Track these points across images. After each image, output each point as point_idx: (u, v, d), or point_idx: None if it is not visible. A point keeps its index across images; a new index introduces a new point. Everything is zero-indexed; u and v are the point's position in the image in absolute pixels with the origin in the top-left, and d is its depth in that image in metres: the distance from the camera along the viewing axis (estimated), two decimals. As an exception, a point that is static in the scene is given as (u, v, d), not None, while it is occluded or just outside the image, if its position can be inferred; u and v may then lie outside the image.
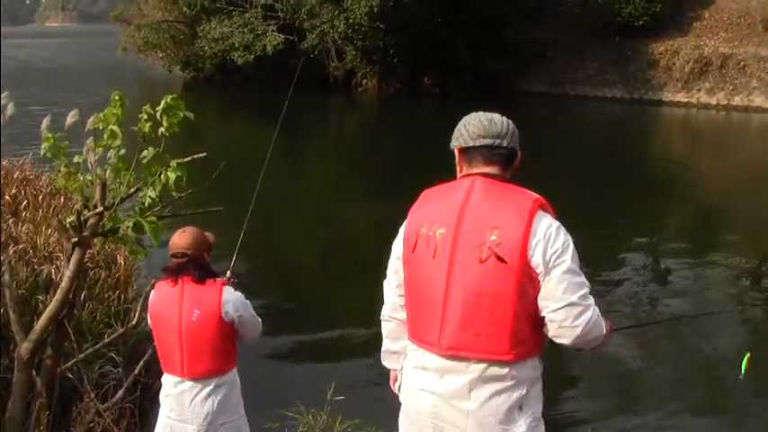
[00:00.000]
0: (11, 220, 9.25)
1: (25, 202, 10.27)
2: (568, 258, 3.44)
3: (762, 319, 10.61)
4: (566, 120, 31.42)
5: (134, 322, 6.37)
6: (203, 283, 4.61)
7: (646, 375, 9.00)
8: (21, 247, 8.18)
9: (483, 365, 3.49)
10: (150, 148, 5.41)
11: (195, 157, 5.49)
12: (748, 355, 4.46)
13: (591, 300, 3.48)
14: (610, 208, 16.16)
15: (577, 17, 37.61)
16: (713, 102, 32.32)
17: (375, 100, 35.99)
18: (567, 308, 3.42)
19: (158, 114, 5.40)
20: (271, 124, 25.86)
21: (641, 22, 34.96)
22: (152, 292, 4.86)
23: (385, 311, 3.95)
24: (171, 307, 4.63)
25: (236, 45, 38.28)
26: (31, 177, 11.63)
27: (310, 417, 6.04)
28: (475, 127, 3.69)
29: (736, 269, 12.54)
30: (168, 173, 5.31)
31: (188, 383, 4.68)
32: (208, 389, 4.67)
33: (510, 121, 3.72)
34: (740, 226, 15.94)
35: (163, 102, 5.39)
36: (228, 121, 32.89)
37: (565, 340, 3.50)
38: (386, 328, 3.97)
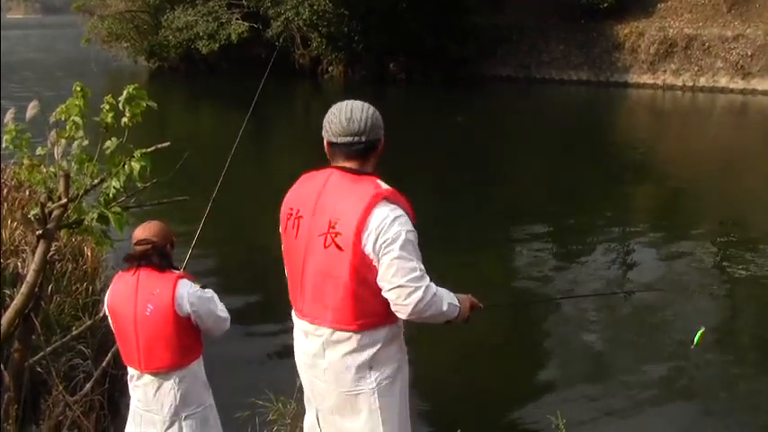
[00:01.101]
0: (-25, 215, 9.18)
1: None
2: (397, 247, 3.78)
3: (724, 297, 10.76)
4: (531, 103, 31.56)
5: (102, 314, 6.34)
6: (163, 273, 4.55)
7: (609, 356, 9.11)
8: (-15, 241, 8.13)
9: (330, 331, 4.01)
10: (113, 139, 5.39)
11: (159, 146, 5.48)
12: (702, 330, 4.62)
13: (423, 282, 3.84)
14: (576, 190, 16.27)
15: (542, 0, 37.68)
16: (679, 83, 32.57)
17: (341, 87, 35.86)
18: (396, 289, 3.81)
19: (121, 105, 5.38)
20: (237, 113, 25.73)
21: (606, 5, 35.12)
22: (110, 284, 4.80)
23: None
24: (126, 301, 4.55)
25: (201, 34, 38.08)
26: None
27: (280, 404, 6.05)
28: (336, 126, 3.95)
29: (701, 248, 12.67)
30: (132, 163, 5.30)
31: (148, 377, 4.63)
32: (168, 383, 4.61)
33: (370, 114, 3.95)
34: (705, 205, 16.12)
35: (125, 92, 5.37)
36: (194, 110, 32.75)
37: (402, 315, 3.90)
38: None
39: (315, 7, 34.05)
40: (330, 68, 39.25)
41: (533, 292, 10.95)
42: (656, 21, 35.00)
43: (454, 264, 10.85)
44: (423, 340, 8.59)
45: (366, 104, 3.97)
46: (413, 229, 3.87)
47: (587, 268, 11.88)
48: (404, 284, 3.79)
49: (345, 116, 3.92)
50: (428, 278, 3.87)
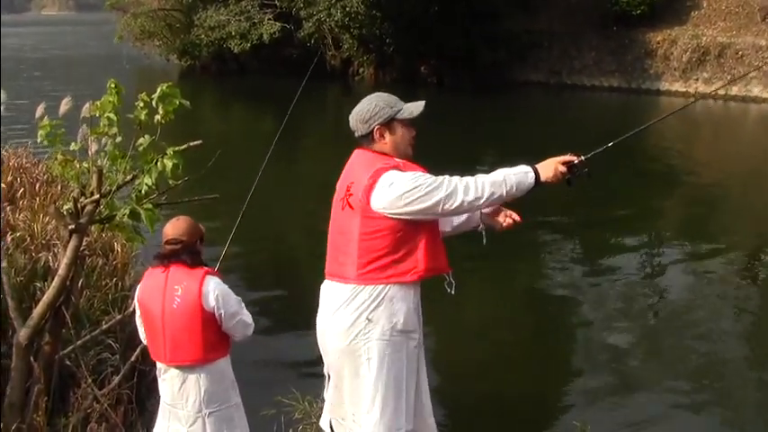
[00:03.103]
0: (8, 208, 9.27)
1: (22, 190, 10.29)
2: (411, 185, 4.27)
3: (755, 308, 10.67)
4: (561, 109, 31.42)
5: (131, 309, 6.38)
6: (193, 269, 4.61)
7: (641, 365, 9.05)
8: (18, 234, 8.21)
9: (337, 284, 4.51)
10: (146, 136, 5.44)
11: (191, 144, 5.51)
12: None
13: (453, 179, 4.33)
14: (605, 198, 16.17)
15: (574, 6, 37.50)
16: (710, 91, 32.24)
17: (372, 89, 35.30)
18: (443, 205, 4.29)
19: (154, 102, 5.43)
20: (267, 113, 25.90)
21: (639, 12, 34.87)
22: (141, 279, 4.87)
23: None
24: (155, 295, 4.63)
25: (233, 33, 38.17)
26: (27, 165, 11.63)
27: (306, 404, 6.08)
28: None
29: (732, 259, 12.57)
30: (165, 160, 5.34)
31: (173, 371, 4.69)
32: (192, 377, 4.67)
33: (357, 111, 4.56)
34: (737, 215, 15.98)
35: (159, 89, 5.42)
36: (225, 109, 32.88)
37: (477, 208, 4.48)
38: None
39: (347, 9, 34.02)
40: (361, 70, 39.23)
41: (560, 296, 10.92)
42: (689, 29, 34.73)
43: (480, 267, 10.84)
44: (444, 345, 8.65)
45: (363, 102, 4.58)
46: (419, 174, 4.35)
47: (614, 275, 11.82)
48: (441, 198, 4.27)
49: (350, 116, 4.60)
50: (452, 180, 4.33)
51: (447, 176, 4.35)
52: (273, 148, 5.70)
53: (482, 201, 4.35)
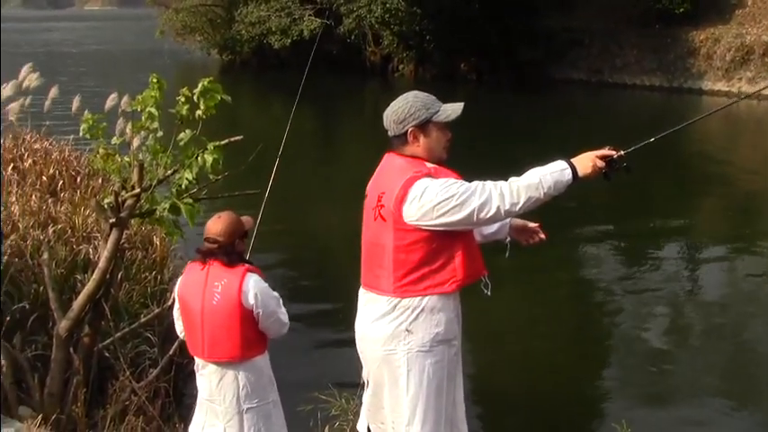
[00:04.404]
0: (50, 200, 9.36)
1: (62, 183, 10.39)
2: (445, 196, 4.10)
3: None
4: (602, 108, 31.13)
5: (170, 303, 6.42)
6: (231, 268, 4.61)
7: (680, 366, 8.97)
8: (59, 227, 8.28)
9: (375, 296, 4.40)
10: (187, 131, 5.46)
11: (232, 140, 5.54)
12: None
13: (486, 187, 4.14)
14: (644, 198, 16.03)
15: (615, 4, 37.17)
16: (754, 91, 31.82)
17: (411, 85, 35.56)
18: (479, 214, 4.12)
19: (196, 97, 5.45)
20: (308, 108, 25.92)
21: (682, 9, 34.48)
22: (182, 273, 4.88)
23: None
24: (195, 290, 4.64)
25: (273, 29, 38.37)
26: (69, 158, 11.74)
27: (343, 400, 6.07)
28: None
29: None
30: (205, 155, 5.36)
31: (212, 366, 4.70)
32: (230, 374, 4.67)
33: (391, 111, 4.38)
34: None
35: (200, 85, 5.44)
36: (265, 104, 32.98)
37: (498, 219, 4.27)
38: None
39: (387, 5, 34.06)
40: (400, 67, 39.22)
41: (597, 297, 10.86)
42: (733, 27, 34.27)
43: (515, 269, 10.78)
44: (480, 346, 8.61)
45: (399, 100, 4.39)
46: (453, 182, 4.17)
47: (652, 276, 11.71)
48: (476, 207, 4.10)
49: (385, 112, 4.43)
50: (489, 182, 4.16)
51: (480, 183, 4.18)
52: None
53: (519, 206, 4.16)
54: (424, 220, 4.16)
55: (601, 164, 4.22)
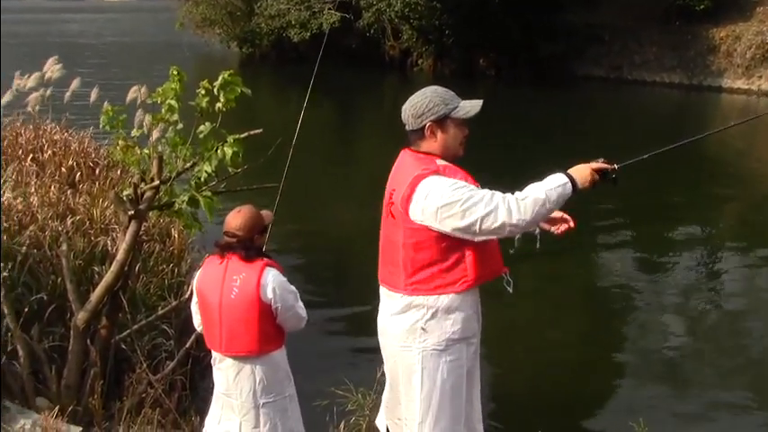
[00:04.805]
0: (69, 192, 9.37)
1: (81, 174, 10.41)
2: (451, 200, 4.07)
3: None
4: (621, 104, 31.00)
5: (187, 296, 6.43)
6: (250, 262, 4.60)
7: (699, 368, 8.91)
8: (78, 218, 8.29)
9: (390, 292, 4.47)
10: (207, 123, 5.45)
11: (252, 133, 5.53)
12: None
13: (496, 199, 4.08)
14: (663, 194, 15.96)
15: (636, 1, 36.98)
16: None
17: (430, 80, 35.29)
18: (482, 224, 4.06)
19: (216, 90, 5.44)
20: (327, 102, 25.92)
21: (702, 6, 34.30)
22: (201, 266, 4.87)
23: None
24: (214, 284, 4.63)
25: (293, 22, 38.35)
26: (89, 150, 11.76)
27: (359, 395, 6.06)
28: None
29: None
30: (225, 148, 5.35)
31: (229, 360, 4.70)
32: (248, 368, 4.67)
33: (410, 105, 4.37)
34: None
35: (220, 77, 5.43)
36: (284, 98, 32.96)
37: (517, 231, 4.21)
38: None
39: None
40: (420, 61, 39.14)
41: (615, 295, 10.80)
42: (754, 24, 34.00)
43: (533, 265, 10.74)
44: (499, 345, 8.58)
45: (418, 95, 4.38)
46: (463, 185, 4.13)
47: (670, 275, 11.64)
48: (481, 217, 4.05)
49: (404, 105, 4.42)
50: (498, 193, 4.11)
51: (488, 192, 4.12)
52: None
53: (525, 223, 4.11)
54: (429, 222, 4.16)
55: (596, 176, 4.29)
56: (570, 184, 4.18)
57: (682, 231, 14.10)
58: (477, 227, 4.06)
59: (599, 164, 4.30)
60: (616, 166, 4.33)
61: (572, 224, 4.68)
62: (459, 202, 4.05)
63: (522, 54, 35.02)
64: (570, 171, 4.25)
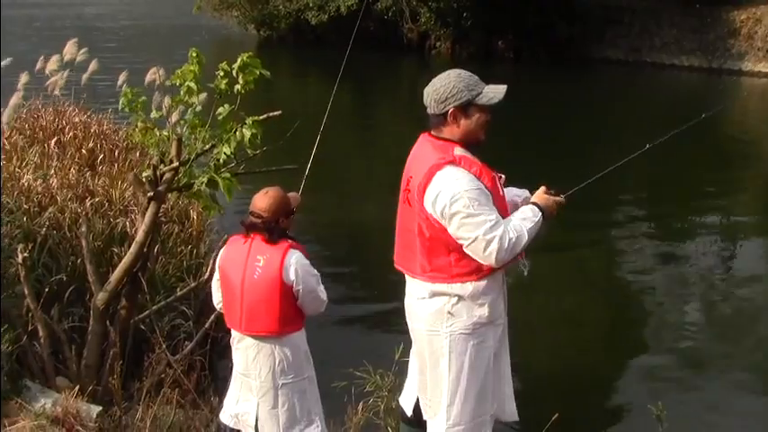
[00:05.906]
0: (88, 173, 9.41)
1: (102, 156, 10.44)
2: (460, 206, 4.09)
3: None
4: (641, 87, 30.84)
5: (206, 277, 6.45)
6: (274, 244, 4.61)
7: (717, 353, 8.90)
8: (97, 200, 8.34)
9: (409, 278, 4.53)
10: (226, 105, 5.46)
11: (271, 115, 5.52)
12: None
13: (496, 231, 4.10)
14: (680, 176, 15.88)
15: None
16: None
17: (448, 63, 35.40)
18: (472, 245, 4.12)
19: (234, 72, 5.44)
20: (345, 85, 25.89)
21: (723, -11, 34.04)
22: (225, 245, 4.88)
23: None
24: (237, 264, 4.65)
25: (310, 5, 38.28)
26: (108, 132, 11.79)
27: (378, 377, 6.06)
28: (423, 96, 4.39)
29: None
30: (243, 130, 5.36)
31: (249, 340, 4.71)
32: (267, 347, 4.68)
33: (433, 89, 4.32)
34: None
35: (239, 59, 5.43)
36: (302, 81, 32.94)
37: (493, 265, 4.18)
38: None
39: (425, -18, 33.91)
40: (438, 44, 38.97)
41: (632, 282, 10.79)
42: (776, 7, 33.77)
43: (551, 245, 10.72)
44: (519, 326, 8.58)
45: (441, 78, 4.33)
46: (477, 187, 4.15)
47: (689, 261, 11.60)
48: (478, 238, 4.09)
49: (426, 90, 4.36)
50: (501, 225, 4.13)
51: (498, 219, 4.15)
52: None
53: (507, 260, 4.20)
54: (437, 216, 4.20)
55: (554, 209, 4.42)
56: (542, 217, 4.33)
57: (697, 216, 14.08)
58: (468, 244, 4.14)
59: (556, 198, 4.45)
60: (563, 197, 4.49)
61: (561, 199, 4.61)
62: (469, 216, 4.09)
63: (541, 37, 34.78)
64: (539, 204, 4.38)
